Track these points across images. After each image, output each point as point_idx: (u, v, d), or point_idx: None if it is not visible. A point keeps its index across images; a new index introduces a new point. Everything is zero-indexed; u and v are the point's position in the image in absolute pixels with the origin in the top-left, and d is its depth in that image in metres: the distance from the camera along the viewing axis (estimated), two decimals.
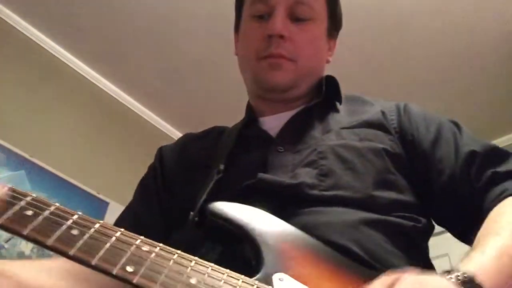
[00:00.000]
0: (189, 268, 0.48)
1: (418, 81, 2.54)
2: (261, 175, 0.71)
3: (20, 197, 0.49)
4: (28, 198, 0.49)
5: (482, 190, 0.70)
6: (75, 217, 0.51)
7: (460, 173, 0.73)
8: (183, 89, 2.77)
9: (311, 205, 0.67)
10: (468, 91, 2.55)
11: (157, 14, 2.35)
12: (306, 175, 0.71)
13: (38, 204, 0.50)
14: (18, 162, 2.20)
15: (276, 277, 0.53)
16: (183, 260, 0.48)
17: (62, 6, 2.35)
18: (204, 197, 0.70)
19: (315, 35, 0.87)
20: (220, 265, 0.50)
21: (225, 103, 2.72)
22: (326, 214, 0.66)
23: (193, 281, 0.46)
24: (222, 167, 0.77)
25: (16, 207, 0.47)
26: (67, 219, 0.50)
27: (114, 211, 2.46)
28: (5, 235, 2.07)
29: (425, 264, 0.68)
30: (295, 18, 0.84)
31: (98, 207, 2.47)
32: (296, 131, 0.81)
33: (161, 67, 2.64)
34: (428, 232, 0.73)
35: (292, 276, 0.54)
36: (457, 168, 0.73)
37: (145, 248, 0.48)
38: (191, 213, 0.69)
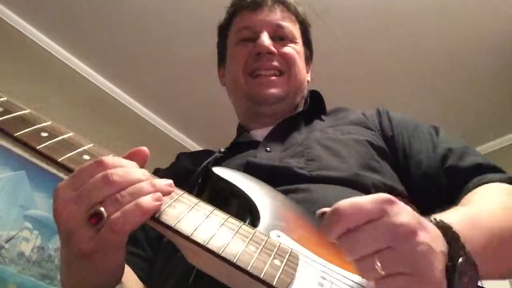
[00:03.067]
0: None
1: (418, 81, 2.54)
2: (250, 159, 0.76)
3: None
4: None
5: (461, 179, 0.73)
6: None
7: (438, 163, 0.76)
8: (184, 90, 2.77)
9: (299, 183, 0.70)
10: (468, 91, 2.55)
11: (157, 14, 2.35)
12: (294, 161, 0.75)
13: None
14: (18, 162, 2.20)
15: (273, 234, 0.54)
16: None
17: (62, 6, 2.35)
18: (205, 163, 0.75)
19: (298, 51, 0.96)
20: None
21: (225, 103, 2.71)
22: (313, 191, 0.69)
23: (197, 216, 0.49)
24: (222, 149, 0.82)
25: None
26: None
27: None
28: (5, 235, 2.07)
29: None
30: (279, 38, 0.93)
31: None
32: (281, 135, 0.85)
33: (161, 67, 2.64)
34: None
35: (288, 235, 0.55)
36: (435, 159, 0.77)
37: None
38: (194, 175, 0.71)
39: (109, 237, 0.45)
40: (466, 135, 2.73)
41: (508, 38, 2.28)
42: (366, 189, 0.70)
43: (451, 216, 0.52)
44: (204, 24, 2.37)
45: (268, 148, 0.80)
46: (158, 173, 0.94)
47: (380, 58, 2.44)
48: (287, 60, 0.91)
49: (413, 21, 2.25)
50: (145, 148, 0.54)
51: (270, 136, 0.85)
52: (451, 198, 0.70)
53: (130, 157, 0.53)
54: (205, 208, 0.51)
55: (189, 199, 0.52)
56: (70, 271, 0.52)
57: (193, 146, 3.13)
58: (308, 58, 1.04)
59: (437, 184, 0.75)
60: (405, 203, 0.69)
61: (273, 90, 0.88)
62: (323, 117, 0.93)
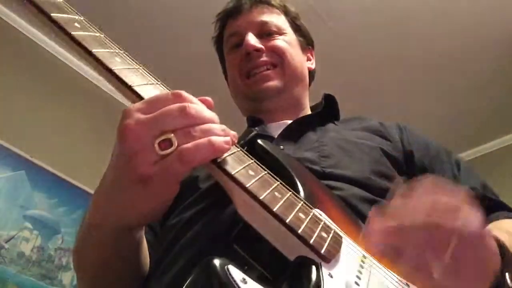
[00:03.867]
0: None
1: (417, 80, 2.54)
2: (259, 143, 0.76)
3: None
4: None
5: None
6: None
7: None
8: (183, 88, 2.77)
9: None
10: (467, 91, 2.55)
11: (157, 14, 2.35)
12: (308, 155, 0.76)
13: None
14: (18, 162, 2.20)
15: (316, 211, 0.54)
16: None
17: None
18: (250, 136, 0.76)
19: (288, 41, 0.95)
20: None
21: (225, 103, 2.71)
22: (331, 187, 0.69)
23: (251, 172, 0.50)
24: (257, 128, 0.84)
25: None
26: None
27: None
28: (5, 235, 2.07)
29: None
30: (266, 35, 0.94)
31: None
32: (296, 134, 0.85)
33: (161, 67, 2.64)
34: None
35: (328, 216, 0.56)
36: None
37: None
38: (240, 143, 0.72)
39: (174, 166, 0.45)
40: (468, 135, 2.73)
41: (508, 37, 2.28)
42: (378, 193, 0.71)
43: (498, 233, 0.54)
44: (205, 24, 2.37)
45: (282, 146, 0.80)
46: None
47: (381, 58, 2.44)
48: (277, 52, 0.92)
49: (414, 22, 2.25)
50: (210, 99, 0.55)
51: (284, 133, 0.85)
52: None
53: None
54: (258, 168, 0.52)
55: (245, 156, 0.53)
56: (113, 196, 0.51)
57: None
58: (305, 45, 1.03)
59: None
60: None
61: (269, 83, 0.89)
62: (336, 122, 0.93)
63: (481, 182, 0.82)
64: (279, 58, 0.91)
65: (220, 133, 0.48)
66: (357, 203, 0.67)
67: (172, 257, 0.65)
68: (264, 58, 0.90)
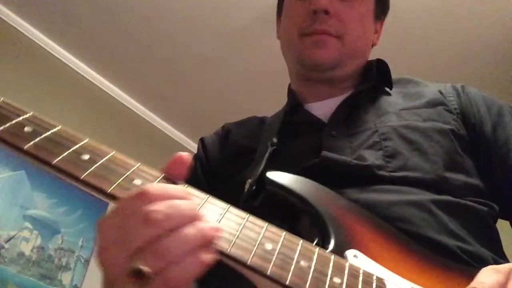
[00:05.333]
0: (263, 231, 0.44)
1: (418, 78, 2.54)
2: (325, 153, 0.66)
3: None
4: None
5: None
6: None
7: None
8: (183, 89, 2.77)
9: (379, 187, 0.63)
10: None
11: (157, 14, 2.35)
12: (372, 156, 0.66)
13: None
14: (18, 162, 2.20)
15: (350, 254, 0.49)
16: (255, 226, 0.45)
17: (62, 6, 2.35)
18: (262, 166, 0.65)
19: (362, 13, 0.83)
20: None
21: (225, 103, 2.71)
22: (394, 192, 0.62)
23: (268, 247, 0.42)
24: (275, 140, 0.72)
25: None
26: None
27: None
28: (5, 235, 2.07)
29: (499, 253, 0.64)
30: None
31: (98, 207, 2.46)
32: (348, 116, 0.76)
33: (161, 67, 2.64)
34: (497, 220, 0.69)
35: (365, 254, 0.50)
36: None
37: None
38: (248, 181, 0.63)
39: None
40: None
41: (508, 37, 2.27)
42: (454, 193, 0.64)
43: None
44: (204, 24, 2.36)
45: (334, 132, 0.71)
46: (203, 144, 0.88)
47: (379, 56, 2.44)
48: (345, 24, 0.79)
49: (414, 21, 2.25)
50: (185, 155, 0.47)
51: (335, 117, 0.75)
52: None
53: (170, 167, 0.46)
54: (275, 233, 0.44)
55: (256, 224, 0.45)
56: None
57: (194, 146, 3.13)
58: (379, 15, 0.89)
59: None
60: (488, 208, 0.65)
61: (324, 55, 0.78)
62: (389, 91, 0.82)
63: None
64: (344, 29, 0.79)
65: (196, 238, 0.39)
66: (426, 207, 0.60)
67: None
68: (328, 25, 0.78)
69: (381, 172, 0.64)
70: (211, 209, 0.44)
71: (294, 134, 0.76)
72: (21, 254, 2.11)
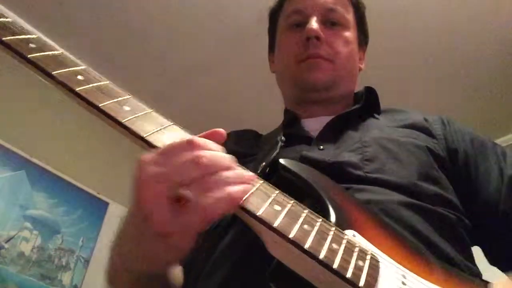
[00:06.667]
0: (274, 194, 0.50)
1: (418, 79, 2.54)
2: (304, 153, 0.73)
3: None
4: None
5: None
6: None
7: (506, 192, 0.73)
8: (183, 90, 2.77)
9: (353, 183, 0.67)
10: (468, 90, 2.55)
11: (157, 15, 2.35)
12: (350, 157, 0.72)
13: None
14: (18, 162, 2.20)
15: (349, 233, 0.52)
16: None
17: (62, 7, 2.35)
18: (274, 154, 0.71)
19: (348, 38, 0.92)
20: None
21: (225, 104, 2.72)
22: (368, 192, 0.66)
23: (277, 208, 0.48)
24: (283, 137, 0.79)
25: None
26: None
27: (114, 211, 2.47)
28: (5, 235, 2.07)
29: (466, 253, 0.67)
30: (329, 23, 0.90)
31: (98, 207, 2.47)
32: (336, 132, 0.82)
33: (161, 68, 2.64)
34: (472, 237, 0.71)
35: (362, 235, 0.53)
36: (503, 186, 0.74)
37: None
38: (261, 164, 0.68)
39: (193, 222, 0.44)
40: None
41: (508, 37, 2.28)
42: (425, 199, 0.67)
43: None
44: (204, 25, 2.37)
45: (322, 147, 0.77)
46: None
47: (382, 57, 2.44)
48: (334, 49, 0.88)
49: (415, 21, 2.25)
50: (222, 130, 0.53)
51: (324, 132, 0.81)
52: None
53: (208, 136, 0.51)
54: (284, 199, 0.50)
55: (269, 189, 0.51)
56: (135, 249, 0.51)
57: None
58: (362, 43, 1.02)
59: (503, 211, 0.72)
60: (458, 218, 0.68)
61: (319, 75, 0.86)
62: (377, 116, 0.89)
63: None
64: (334, 53, 0.88)
65: (237, 180, 0.46)
66: (397, 208, 0.64)
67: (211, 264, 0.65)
68: (321, 51, 0.86)
69: (357, 172, 0.69)
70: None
71: (287, 144, 0.81)
72: (21, 254, 2.11)
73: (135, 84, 2.80)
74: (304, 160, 0.70)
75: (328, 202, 0.57)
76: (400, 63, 2.46)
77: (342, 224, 0.53)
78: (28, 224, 2.17)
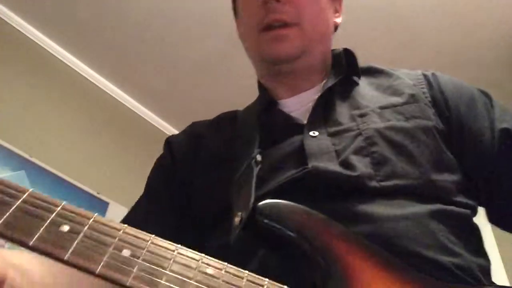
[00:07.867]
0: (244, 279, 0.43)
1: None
2: (314, 165, 0.63)
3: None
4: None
5: None
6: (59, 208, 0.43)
7: (496, 150, 0.69)
8: (183, 89, 2.77)
9: (371, 200, 0.60)
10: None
11: (157, 14, 2.35)
12: (360, 163, 0.63)
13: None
14: (18, 162, 2.20)
15: None
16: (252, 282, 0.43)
17: (62, 7, 2.35)
18: (253, 196, 0.60)
19: None
20: (279, 278, 0.45)
21: (225, 103, 2.71)
22: (387, 206, 0.60)
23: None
24: (259, 158, 0.67)
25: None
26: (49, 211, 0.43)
27: (114, 211, 2.46)
28: None
29: (480, 253, 0.64)
30: None
31: (98, 207, 2.46)
32: (324, 113, 0.73)
33: (161, 67, 2.64)
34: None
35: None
36: (492, 144, 0.70)
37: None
38: (238, 213, 0.60)
39: None
40: None
41: (509, 37, 2.27)
42: (439, 198, 0.63)
43: None
44: (204, 24, 2.36)
45: (314, 132, 0.68)
46: (170, 148, 0.83)
47: (382, 57, 2.44)
48: (298, 9, 0.75)
49: (415, 20, 2.25)
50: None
51: (312, 117, 0.72)
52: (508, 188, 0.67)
53: None
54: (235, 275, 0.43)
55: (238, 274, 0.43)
56: None
57: None
58: None
59: (495, 170, 0.69)
60: (472, 210, 0.66)
61: (286, 48, 0.75)
62: (357, 80, 0.80)
63: None
64: (300, 14, 0.75)
65: None
66: (426, 220, 0.59)
67: None
68: (281, 14, 0.74)
69: (372, 184, 0.61)
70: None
71: (273, 139, 0.72)
72: None
73: (134, 82, 2.80)
74: (314, 175, 0.62)
75: (319, 255, 0.51)
76: (401, 61, 2.46)
77: (344, 283, 0.48)
78: None
